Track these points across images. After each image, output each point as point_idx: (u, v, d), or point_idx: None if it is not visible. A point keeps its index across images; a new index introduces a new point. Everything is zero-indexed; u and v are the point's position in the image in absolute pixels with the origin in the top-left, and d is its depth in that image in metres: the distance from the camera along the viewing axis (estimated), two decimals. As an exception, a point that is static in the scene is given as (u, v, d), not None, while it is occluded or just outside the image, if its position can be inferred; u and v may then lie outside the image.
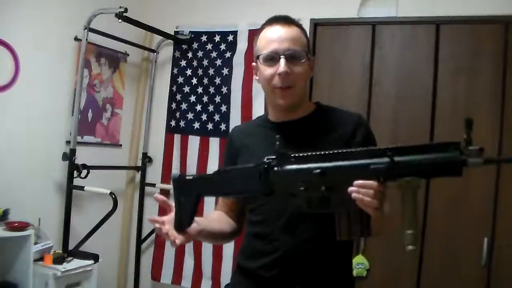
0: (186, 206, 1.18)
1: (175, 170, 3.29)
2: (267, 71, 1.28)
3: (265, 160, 1.09)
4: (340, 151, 1.03)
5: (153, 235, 3.34)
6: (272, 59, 1.27)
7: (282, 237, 1.25)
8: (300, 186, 1.04)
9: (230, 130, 1.55)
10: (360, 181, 0.97)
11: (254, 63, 1.36)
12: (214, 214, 1.43)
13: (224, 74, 3.15)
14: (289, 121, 1.33)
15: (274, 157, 1.09)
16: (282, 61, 1.24)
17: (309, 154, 1.05)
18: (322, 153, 1.04)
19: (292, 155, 1.07)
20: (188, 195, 1.19)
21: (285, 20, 1.31)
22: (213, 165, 3.11)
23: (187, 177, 1.20)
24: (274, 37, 1.28)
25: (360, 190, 0.97)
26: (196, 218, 1.20)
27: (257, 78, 1.37)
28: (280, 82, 1.26)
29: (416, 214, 0.93)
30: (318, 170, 1.02)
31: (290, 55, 1.26)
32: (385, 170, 0.95)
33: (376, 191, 0.96)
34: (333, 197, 1.03)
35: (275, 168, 1.08)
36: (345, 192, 0.98)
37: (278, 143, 1.09)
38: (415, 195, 0.93)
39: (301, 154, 1.06)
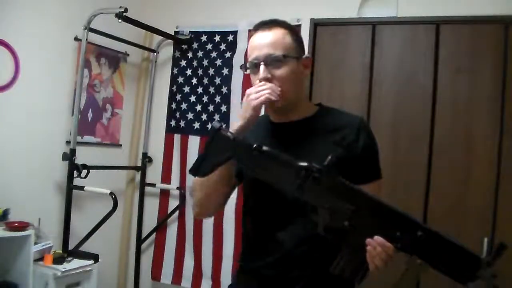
0: (212, 159, 1.15)
1: (175, 170, 3.30)
2: (253, 78, 1.30)
3: (312, 165, 1.07)
4: (381, 201, 1.05)
5: (153, 235, 3.34)
6: (255, 66, 1.28)
7: (284, 236, 1.25)
8: (328, 209, 1.06)
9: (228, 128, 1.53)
10: (381, 240, 1.02)
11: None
12: None
13: (224, 74, 3.15)
14: (289, 122, 1.32)
15: (320, 167, 1.07)
16: (261, 67, 1.26)
17: (353, 186, 1.06)
18: (366, 193, 1.06)
19: (338, 179, 1.07)
20: (220, 149, 1.14)
21: (266, 24, 1.31)
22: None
23: (226, 133, 1.14)
24: (255, 45, 1.29)
25: (378, 248, 1.02)
26: None
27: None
28: None
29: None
30: (352, 207, 1.04)
31: (269, 60, 1.26)
32: (408, 245, 1.00)
33: (389, 255, 1.01)
34: (349, 236, 1.06)
35: (316, 178, 1.06)
36: (361, 239, 1.02)
37: (330, 158, 1.07)
38: (418, 276, 1.00)
39: (346, 182, 1.06)
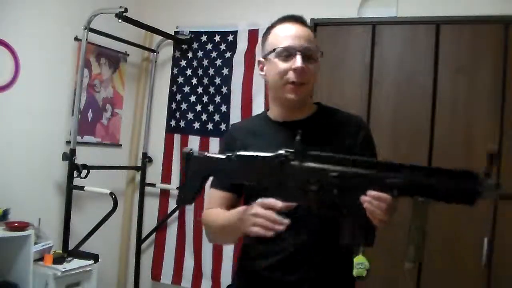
0: (193, 183, 1.16)
1: (175, 170, 3.30)
2: (281, 65, 1.27)
3: (284, 152, 1.08)
4: (358, 158, 1.03)
5: (153, 235, 3.34)
6: (288, 54, 1.26)
7: (288, 237, 1.24)
8: (314, 185, 1.04)
9: (229, 128, 1.52)
10: (375, 193, 0.98)
11: (261, 59, 1.35)
12: (214, 211, 1.36)
13: (224, 74, 3.15)
14: (295, 121, 1.32)
15: (292, 151, 1.08)
16: (299, 57, 1.24)
17: (328, 155, 1.05)
18: (341, 157, 1.04)
19: (311, 153, 1.07)
20: (196, 172, 1.16)
21: (300, 19, 1.33)
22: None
23: (197, 155, 1.17)
24: (290, 34, 1.28)
25: (373, 202, 0.99)
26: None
27: (263, 73, 1.35)
28: (295, 77, 1.25)
29: (423, 232, 0.95)
30: (335, 173, 1.02)
31: (306, 52, 1.26)
32: (401, 186, 0.96)
33: (388, 205, 0.97)
34: (344, 202, 1.03)
35: (293, 162, 1.07)
36: (356, 200, 0.99)
37: (299, 137, 1.08)
38: (426, 213, 0.95)
39: (320, 154, 1.06)
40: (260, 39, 1.70)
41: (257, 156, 1.12)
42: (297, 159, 1.07)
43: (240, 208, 1.19)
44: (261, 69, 1.36)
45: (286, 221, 1.06)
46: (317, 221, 1.23)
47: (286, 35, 1.28)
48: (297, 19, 1.32)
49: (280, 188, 1.09)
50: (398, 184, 0.97)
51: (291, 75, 1.26)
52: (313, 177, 1.05)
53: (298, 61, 1.24)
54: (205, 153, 1.19)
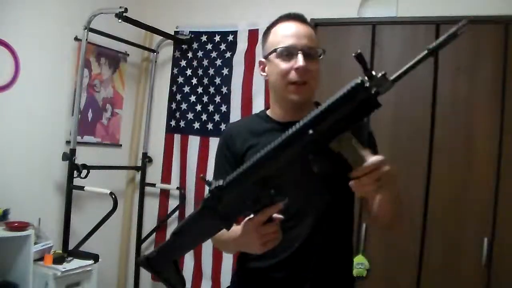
0: (171, 275, 1.14)
1: (175, 170, 3.30)
2: (283, 65, 1.25)
3: (206, 197, 1.02)
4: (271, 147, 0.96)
5: (153, 235, 3.34)
6: (289, 53, 1.25)
7: (290, 237, 1.23)
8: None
9: (226, 129, 1.46)
10: (353, 173, 0.91)
11: (262, 59, 1.34)
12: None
13: (224, 74, 3.15)
14: (297, 121, 1.31)
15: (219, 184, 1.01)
16: (300, 56, 1.23)
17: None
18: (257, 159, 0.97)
19: (223, 183, 1.00)
20: (164, 268, 1.14)
21: (301, 18, 1.31)
22: (213, 165, 3.11)
23: (150, 257, 1.14)
24: (291, 33, 1.26)
25: (355, 183, 0.92)
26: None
27: (265, 74, 1.33)
28: (297, 77, 1.24)
29: (360, 153, 0.90)
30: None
31: (307, 52, 1.25)
32: (312, 145, 0.91)
33: (371, 178, 0.90)
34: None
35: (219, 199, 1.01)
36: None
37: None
38: (353, 144, 0.90)
39: (231, 178, 1.00)
40: (260, 39, 1.70)
41: (187, 221, 1.08)
42: (220, 193, 1.01)
43: (239, 235, 1.12)
44: (262, 70, 1.35)
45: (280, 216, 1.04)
46: (317, 220, 1.23)
47: (287, 34, 1.27)
48: (297, 17, 1.30)
49: (229, 222, 1.04)
50: (308, 144, 0.91)
51: (293, 75, 1.24)
52: (246, 197, 0.99)
53: (299, 60, 1.23)
54: (154, 250, 1.15)
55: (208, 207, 1.02)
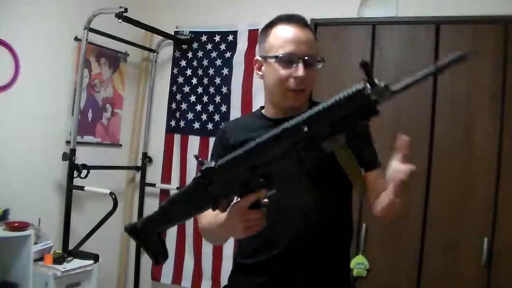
0: (154, 246, 1.15)
1: (175, 170, 3.30)
2: (281, 72, 1.25)
3: (199, 174, 1.05)
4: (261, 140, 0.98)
5: (153, 235, 3.34)
6: (289, 61, 1.24)
7: (282, 234, 1.25)
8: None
9: (223, 125, 1.48)
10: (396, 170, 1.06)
11: (258, 58, 1.33)
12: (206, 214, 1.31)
13: (224, 74, 3.15)
14: (291, 117, 1.31)
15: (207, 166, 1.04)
16: (301, 65, 1.23)
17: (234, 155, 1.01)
18: (248, 148, 0.99)
19: (215, 166, 1.03)
20: (148, 237, 1.15)
21: (302, 21, 1.29)
22: (213, 165, 3.11)
23: (136, 225, 1.16)
24: (292, 38, 1.25)
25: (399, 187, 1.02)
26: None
27: (260, 73, 1.33)
28: (295, 85, 1.24)
29: (352, 156, 0.94)
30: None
31: (308, 60, 1.24)
32: (305, 142, 0.92)
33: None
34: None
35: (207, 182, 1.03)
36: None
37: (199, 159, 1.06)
38: (346, 148, 0.93)
39: (223, 162, 1.02)
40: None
41: (178, 195, 1.11)
42: (206, 176, 1.04)
43: (225, 218, 1.13)
44: (258, 69, 1.34)
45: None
46: (304, 217, 1.23)
47: (288, 39, 1.26)
48: (298, 21, 1.29)
49: (217, 204, 1.06)
50: (302, 145, 0.93)
51: (291, 83, 1.25)
52: (237, 180, 1.01)
53: (300, 70, 1.23)
54: (141, 220, 1.17)
55: (198, 186, 1.04)
